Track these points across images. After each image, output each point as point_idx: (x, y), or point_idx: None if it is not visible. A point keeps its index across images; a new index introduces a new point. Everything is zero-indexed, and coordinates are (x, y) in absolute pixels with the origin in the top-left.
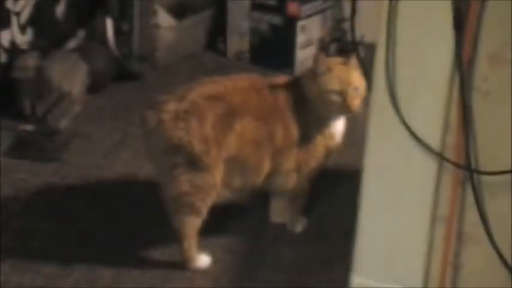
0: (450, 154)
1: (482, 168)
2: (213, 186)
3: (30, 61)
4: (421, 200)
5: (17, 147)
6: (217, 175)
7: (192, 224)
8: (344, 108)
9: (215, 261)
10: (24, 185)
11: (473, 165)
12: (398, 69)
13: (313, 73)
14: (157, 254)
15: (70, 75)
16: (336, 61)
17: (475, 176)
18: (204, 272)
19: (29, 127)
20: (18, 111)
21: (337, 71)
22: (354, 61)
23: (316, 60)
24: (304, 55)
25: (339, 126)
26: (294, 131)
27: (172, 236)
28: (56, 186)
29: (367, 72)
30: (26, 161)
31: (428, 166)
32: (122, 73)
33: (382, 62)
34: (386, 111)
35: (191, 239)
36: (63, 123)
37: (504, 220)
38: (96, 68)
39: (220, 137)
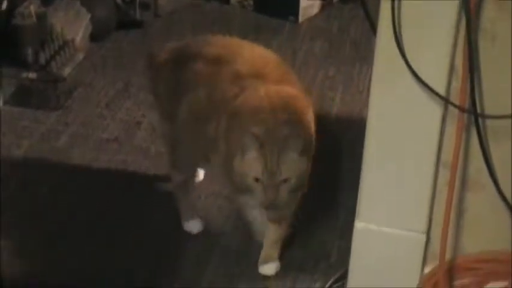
0: (455, 98)
1: (488, 113)
2: None
3: (32, 8)
4: (426, 145)
5: (20, 95)
6: None
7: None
8: None
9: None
10: (28, 133)
11: (478, 110)
12: (403, 12)
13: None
14: (158, 200)
15: (72, 23)
16: None
17: (480, 120)
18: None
19: (31, 75)
20: (20, 58)
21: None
22: None
23: None
24: (307, 2)
25: None
26: None
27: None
28: (59, 135)
29: (372, 17)
30: (29, 109)
31: (433, 111)
32: (125, 21)
33: (387, 5)
34: (392, 55)
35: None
36: (67, 71)
37: (509, 165)
38: (99, 16)
39: None
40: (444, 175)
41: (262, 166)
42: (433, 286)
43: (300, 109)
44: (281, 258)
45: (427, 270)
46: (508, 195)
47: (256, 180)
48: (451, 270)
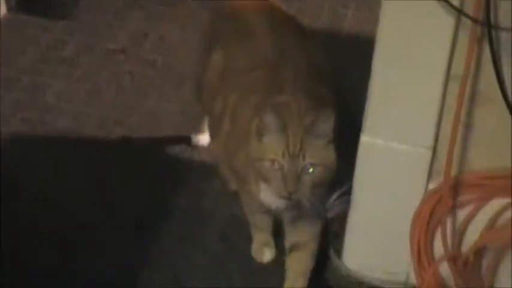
0: (469, 10)
1: (502, 25)
2: None
3: None
4: (436, 58)
5: (26, 2)
6: None
7: None
8: None
9: None
10: (34, 41)
11: (492, 21)
12: None
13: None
14: (168, 114)
15: None
16: None
17: (493, 32)
18: None
19: None
20: None
21: None
22: None
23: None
24: None
25: None
26: None
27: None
28: (66, 44)
29: None
30: (36, 17)
31: (445, 22)
32: None
33: None
34: None
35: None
36: None
37: None
38: None
39: None
40: (454, 90)
41: (283, 147)
42: (437, 202)
43: (328, 94)
44: None
45: (432, 186)
46: None
47: (275, 164)
48: (456, 186)
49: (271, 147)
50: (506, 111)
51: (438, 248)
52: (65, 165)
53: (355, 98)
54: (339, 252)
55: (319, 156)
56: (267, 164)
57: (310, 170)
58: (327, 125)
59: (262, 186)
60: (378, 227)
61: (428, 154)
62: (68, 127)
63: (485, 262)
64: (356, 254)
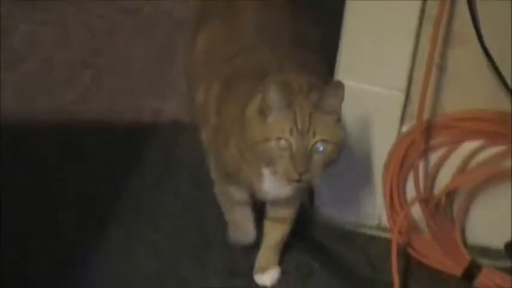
0: None
1: None
2: None
3: None
4: None
5: None
6: None
7: None
8: None
9: None
10: None
11: None
12: None
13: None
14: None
15: None
16: None
17: None
18: None
19: None
20: None
21: None
22: None
23: None
24: None
25: None
26: None
27: None
28: None
29: None
30: None
31: None
32: None
33: None
34: None
35: None
36: None
37: (495, 21)
38: None
39: None
40: (427, 31)
41: (290, 123)
42: (409, 145)
43: (322, 69)
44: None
45: (405, 129)
46: (491, 51)
47: (282, 142)
48: (428, 129)
49: (277, 126)
50: (481, 53)
51: (411, 192)
52: (35, 111)
53: (330, 42)
54: (311, 197)
55: (329, 133)
56: (273, 144)
57: (321, 148)
58: (336, 100)
59: (267, 174)
60: (350, 170)
61: (401, 96)
62: (36, 70)
63: (457, 204)
64: (328, 198)
